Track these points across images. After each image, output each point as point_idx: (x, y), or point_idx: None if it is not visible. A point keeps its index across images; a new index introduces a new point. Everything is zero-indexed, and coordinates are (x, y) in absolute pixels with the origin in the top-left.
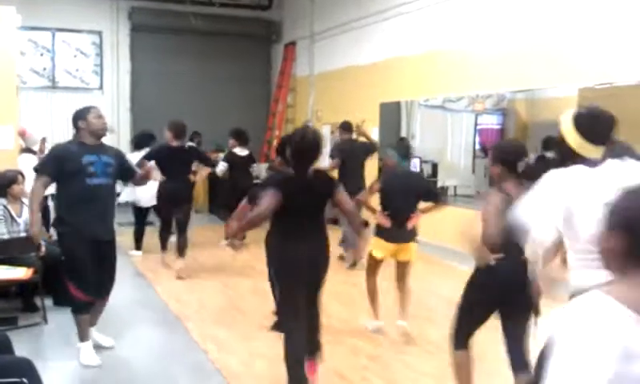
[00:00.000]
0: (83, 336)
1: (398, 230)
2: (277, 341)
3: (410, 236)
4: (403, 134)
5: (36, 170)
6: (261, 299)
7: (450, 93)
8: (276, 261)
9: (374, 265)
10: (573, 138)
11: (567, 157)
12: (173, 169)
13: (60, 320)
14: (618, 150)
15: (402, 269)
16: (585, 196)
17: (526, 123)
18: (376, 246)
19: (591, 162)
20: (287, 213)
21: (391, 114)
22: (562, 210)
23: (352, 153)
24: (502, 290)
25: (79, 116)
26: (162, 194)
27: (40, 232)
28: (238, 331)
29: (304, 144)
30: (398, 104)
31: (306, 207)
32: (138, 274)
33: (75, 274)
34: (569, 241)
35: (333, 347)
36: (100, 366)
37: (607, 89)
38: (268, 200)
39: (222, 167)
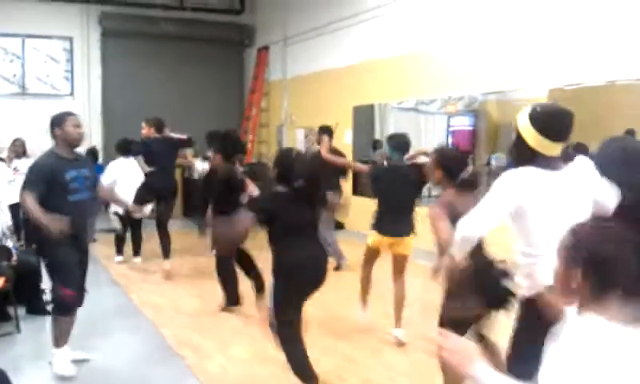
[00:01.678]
0: (60, 340)
1: (395, 224)
2: (253, 344)
3: (406, 230)
4: (377, 136)
5: (23, 190)
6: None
7: (423, 95)
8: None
9: (369, 256)
10: (531, 136)
11: (524, 155)
12: (161, 160)
13: (33, 329)
14: (571, 153)
15: (399, 263)
16: (537, 198)
17: (497, 124)
18: (373, 238)
19: (549, 160)
20: (283, 226)
21: (365, 117)
22: (513, 208)
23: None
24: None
25: (55, 122)
26: (149, 186)
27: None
28: (214, 336)
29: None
30: (371, 107)
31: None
32: (112, 282)
33: (62, 271)
34: (518, 239)
35: (309, 348)
36: (74, 377)
37: (576, 89)
38: (245, 222)
39: (201, 166)
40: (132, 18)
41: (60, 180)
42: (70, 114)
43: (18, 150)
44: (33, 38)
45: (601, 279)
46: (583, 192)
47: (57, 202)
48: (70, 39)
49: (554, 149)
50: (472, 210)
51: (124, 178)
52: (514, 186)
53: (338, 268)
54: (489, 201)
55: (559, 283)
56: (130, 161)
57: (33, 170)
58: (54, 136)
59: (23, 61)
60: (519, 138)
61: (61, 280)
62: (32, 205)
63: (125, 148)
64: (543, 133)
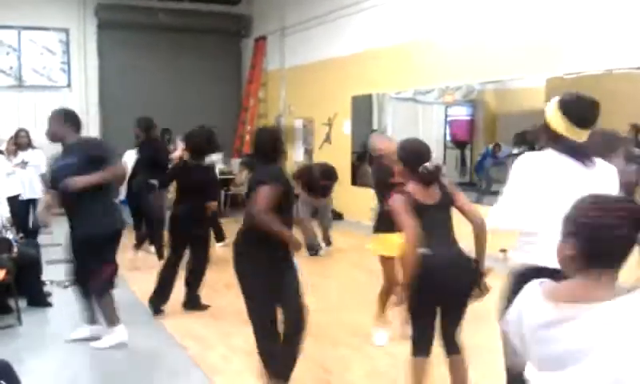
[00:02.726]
0: (115, 318)
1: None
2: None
3: None
4: (375, 126)
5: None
6: (236, 294)
7: (421, 85)
8: None
9: (390, 269)
10: (558, 122)
11: (552, 141)
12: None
13: (35, 321)
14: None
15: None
16: (548, 179)
17: (495, 114)
18: (381, 243)
19: (572, 146)
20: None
21: (363, 106)
22: (534, 188)
23: None
24: (439, 284)
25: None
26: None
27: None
28: (216, 327)
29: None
30: (369, 97)
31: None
32: None
33: (102, 252)
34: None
35: (313, 339)
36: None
37: (575, 78)
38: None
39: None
40: (128, 9)
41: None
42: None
43: (23, 141)
44: (29, 29)
45: (593, 252)
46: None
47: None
48: (67, 31)
49: (578, 134)
50: (497, 202)
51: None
52: (528, 168)
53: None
54: (508, 189)
55: (558, 253)
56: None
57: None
58: None
59: (19, 53)
60: (546, 127)
61: (101, 260)
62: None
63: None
64: (567, 116)
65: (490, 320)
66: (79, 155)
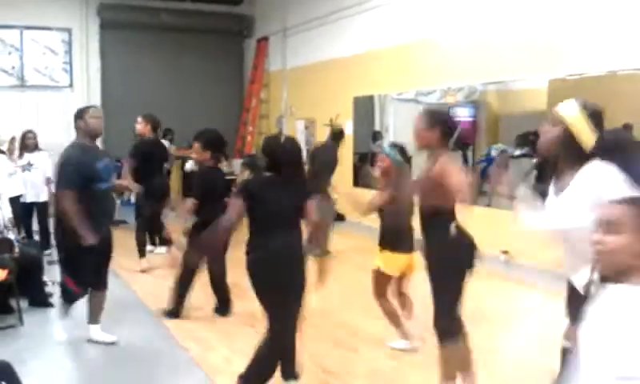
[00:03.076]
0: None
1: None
2: (256, 336)
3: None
4: (377, 127)
5: (63, 188)
6: (239, 295)
7: (423, 86)
8: None
9: (383, 282)
10: (585, 129)
11: (582, 156)
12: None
13: (36, 321)
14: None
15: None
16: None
17: (497, 115)
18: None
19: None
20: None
21: (365, 107)
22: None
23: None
24: None
25: (78, 115)
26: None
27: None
28: (218, 328)
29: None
30: (371, 98)
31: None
32: (113, 274)
33: (74, 268)
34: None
35: (315, 341)
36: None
37: (577, 79)
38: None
39: (190, 165)
40: (131, 9)
41: (91, 170)
42: (91, 106)
43: (30, 142)
44: (31, 29)
45: None
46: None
47: (86, 192)
48: (69, 31)
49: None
50: (558, 204)
51: None
52: (599, 179)
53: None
54: (572, 194)
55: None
56: None
57: (65, 165)
58: (76, 128)
59: (22, 53)
60: (572, 140)
61: (69, 274)
62: (70, 207)
63: None
64: (594, 125)
65: (491, 320)
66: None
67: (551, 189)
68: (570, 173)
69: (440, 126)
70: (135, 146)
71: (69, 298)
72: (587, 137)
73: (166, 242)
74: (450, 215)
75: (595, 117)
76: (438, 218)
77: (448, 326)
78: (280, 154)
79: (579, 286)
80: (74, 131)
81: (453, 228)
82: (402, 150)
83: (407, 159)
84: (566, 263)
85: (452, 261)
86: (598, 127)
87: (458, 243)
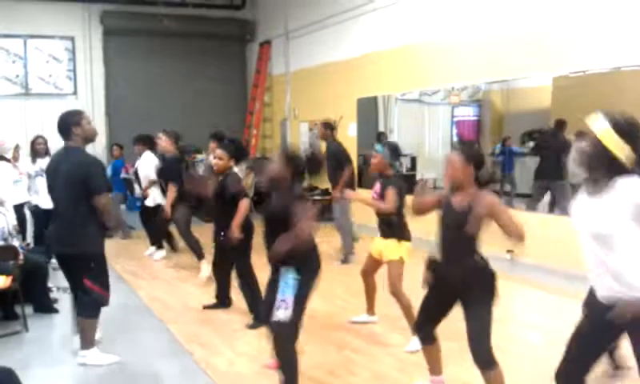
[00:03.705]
0: (93, 340)
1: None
2: (261, 339)
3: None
4: (381, 128)
5: (103, 190)
6: (241, 299)
7: (427, 86)
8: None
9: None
10: (614, 143)
11: (619, 171)
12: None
13: (41, 328)
14: None
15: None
16: None
17: (502, 114)
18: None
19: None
20: None
21: (369, 109)
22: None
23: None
24: None
25: (74, 122)
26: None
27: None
28: (222, 331)
29: None
30: (375, 99)
31: None
32: (118, 278)
33: (105, 276)
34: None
35: (318, 343)
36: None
37: (581, 77)
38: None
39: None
40: (133, 16)
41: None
42: (79, 111)
43: (41, 148)
44: (35, 38)
45: None
46: None
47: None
48: (72, 39)
49: (631, 159)
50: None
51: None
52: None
53: (345, 261)
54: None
55: None
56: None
57: (100, 170)
58: (69, 135)
59: (25, 61)
60: (604, 155)
61: (103, 285)
62: (110, 207)
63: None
64: (626, 140)
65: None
66: None
67: (584, 189)
68: (604, 181)
69: (474, 162)
70: (177, 170)
71: (97, 306)
72: (618, 149)
73: (170, 247)
74: (478, 242)
75: (627, 129)
76: (470, 243)
77: (490, 352)
78: None
79: (601, 296)
80: (59, 138)
81: (482, 254)
82: (395, 148)
83: (398, 156)
84: (591, 268)
85: (491, 287)
86: (632, 140)
87: (488, 267)
